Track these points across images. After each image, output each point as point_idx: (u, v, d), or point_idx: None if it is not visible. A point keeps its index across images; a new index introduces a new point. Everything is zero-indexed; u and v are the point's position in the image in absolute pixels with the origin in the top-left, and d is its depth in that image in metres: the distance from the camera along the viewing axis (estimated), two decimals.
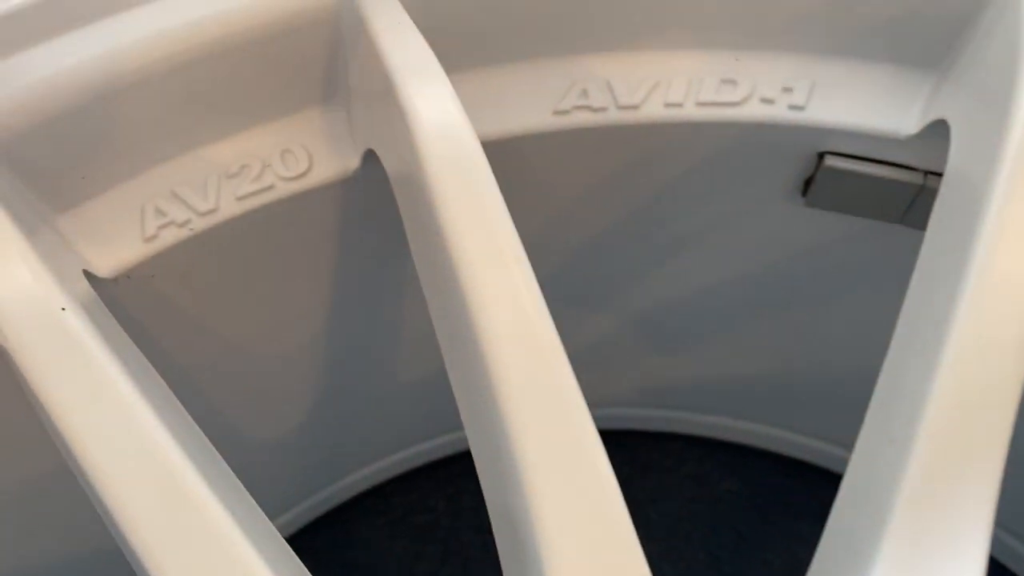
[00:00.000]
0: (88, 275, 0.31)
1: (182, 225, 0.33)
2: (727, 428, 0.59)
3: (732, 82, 0.36)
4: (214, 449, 0.27)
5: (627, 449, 0.62)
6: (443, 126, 0.28)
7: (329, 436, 0.49)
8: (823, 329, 0.46)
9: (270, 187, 0.33)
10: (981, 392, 0.25)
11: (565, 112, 0.35)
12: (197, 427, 0.28)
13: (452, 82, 0.35)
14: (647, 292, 0.46)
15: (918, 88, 0.35)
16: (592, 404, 0.57)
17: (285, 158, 0.34)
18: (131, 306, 0.33)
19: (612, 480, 0.25)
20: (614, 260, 0.44)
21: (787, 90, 0.35)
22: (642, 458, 0.62)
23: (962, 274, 0.26)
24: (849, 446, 0.55)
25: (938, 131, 0.34)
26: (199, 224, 0.33)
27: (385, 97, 0.29)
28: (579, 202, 0.41)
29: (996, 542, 0.57)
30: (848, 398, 0.51)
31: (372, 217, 0.35)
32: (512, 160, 0.36)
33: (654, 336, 0.50)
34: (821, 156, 0.37)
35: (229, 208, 0.33)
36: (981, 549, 0.24)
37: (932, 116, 0.33)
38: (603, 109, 0.36)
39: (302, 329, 0.40)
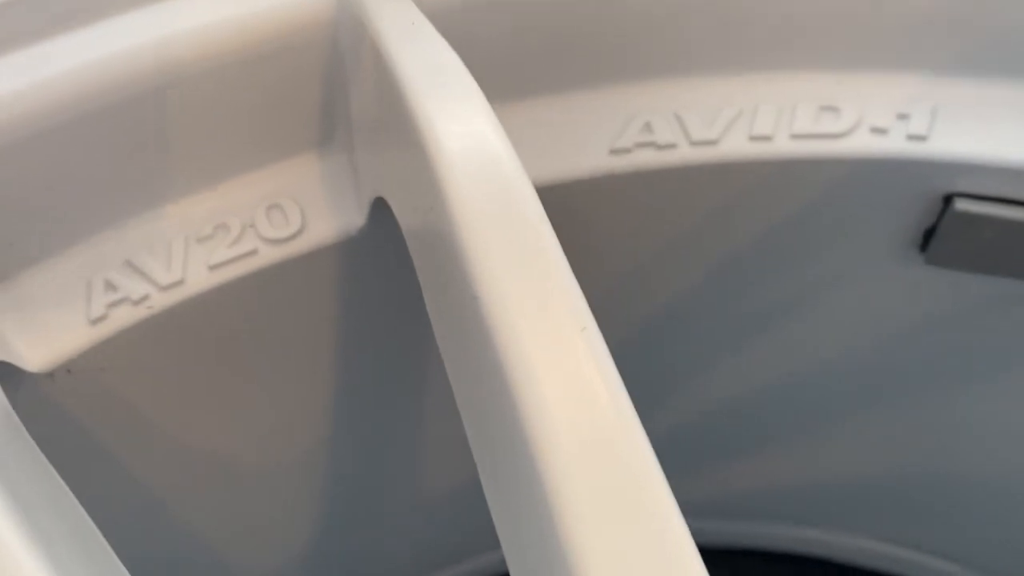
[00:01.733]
0: (8, 370, 0.24)
1: (138, 303, 0.25)
2: (822, 542, 0.50)
3: (834, 109, 0.28)
4: None
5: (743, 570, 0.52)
6: (479, 158, 0.20)
7: (335, 569, 0.41)
8: (950, 423, 0.38)
9: (252, 252, 0.26)
10: None
11: (625, 151, 0.28)
12: None
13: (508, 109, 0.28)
14: (728, 378, 0.38)
15: None
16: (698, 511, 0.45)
17: (271, 215, 0.26)
18: (70, 408, 0.26)
19: None
20: (687, 337, 0.36)
21: (903, 117, 0.28)
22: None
23: None
24: (976, 566, 0.46)
25: None
26: (160, 301, 0.25)
27: (397, 123, 0.22)
28: (642, 263, 0.33)
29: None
30: (983, 508, 0.42)
31: (383, 287, 0.28)
32: (559, 212, 0.29)
33: (733, 433, 0.42)
34: (948, 199, 0.29)
35: (199, 280, 0.26)
36: None
37: None
38: (672, 146, 0.28)
39: (295, 434, 0.32)
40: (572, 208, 0.29)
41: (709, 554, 0.52)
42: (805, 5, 0.28)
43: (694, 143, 0.28)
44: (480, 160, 0.20)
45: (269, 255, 0.26)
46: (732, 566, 0.52)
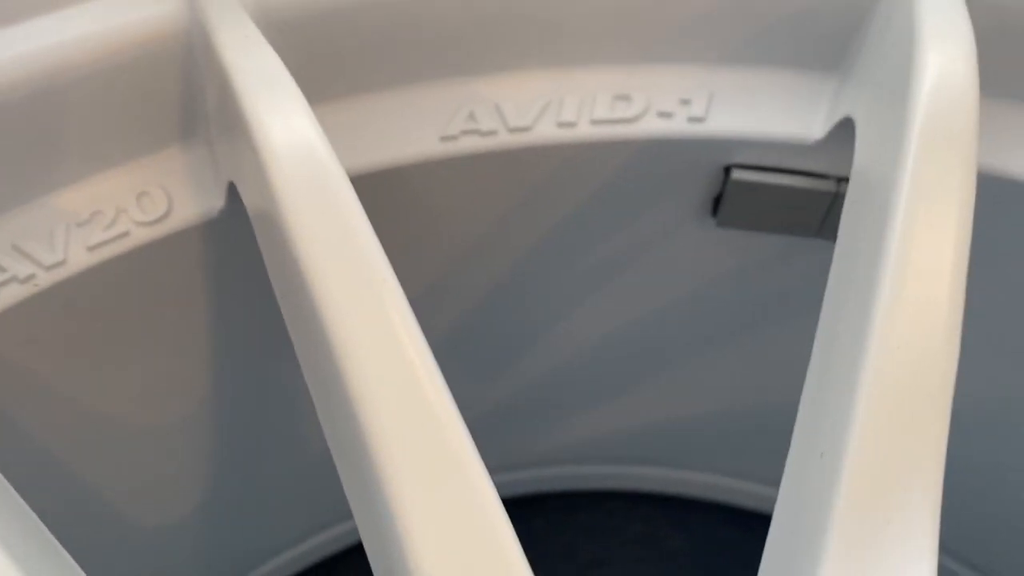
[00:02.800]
0: None
1: (25, 281, 0.29)
2: (671, 480, 0.56)
3: (626, 97, 0.33)
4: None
5: (567, 511, 0.58)
6: (297, 148, 0.25)
7: (229, 523, 0.44)
8: (759, 362, 0.43)
9: (125, 234, 0.30)
10: (909, 398, 0.22)
11: (452, 138, 0.33)
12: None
13: (328, 111, 0.33)
14: (563, 337, 0.43)
15: (821, 90, 0.33)
16: (520, 465, 0.53)
17: (141, 201, 0.31)
18: None
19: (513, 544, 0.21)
20: (522, 302, 0.41)
21: (685, 102, 0.33)
22: (584, 520, 0.58)
23: (876, 278, 0.23)
24: None
25: (848, 134, 0.32)
26: (45, 279, 0.29)
27: (234, 121, 0.26)
28: (477, 237, 0.38)
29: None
30: None
31: (244, 263, 0.32)
32: (398, 193, 0.33)
33: (577, 385, 0.47)
34: (727, 170, 0.35)
35: (79, 259, 0.30)
36: (928, 559, 0.21)
37: (838, 117, 0.31)
38: (493, 133, 0.33)
39: (179, 396, 0.36)
40: (411, 190, 0.33)
41: (581, 497, 0.58)
42: (601, 8, 0.33)
43: (511, 130, 0.33)
44: (297, 147, 0.25)
45: (140, 236, 0.30)
46: (603, 509, 0.58)
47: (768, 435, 0.49)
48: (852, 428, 0.22)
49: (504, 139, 0.33)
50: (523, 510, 0.57)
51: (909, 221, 0.24)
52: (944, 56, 0.25)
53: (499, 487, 0.22)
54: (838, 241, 0.28)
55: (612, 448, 0.52)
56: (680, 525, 0.58)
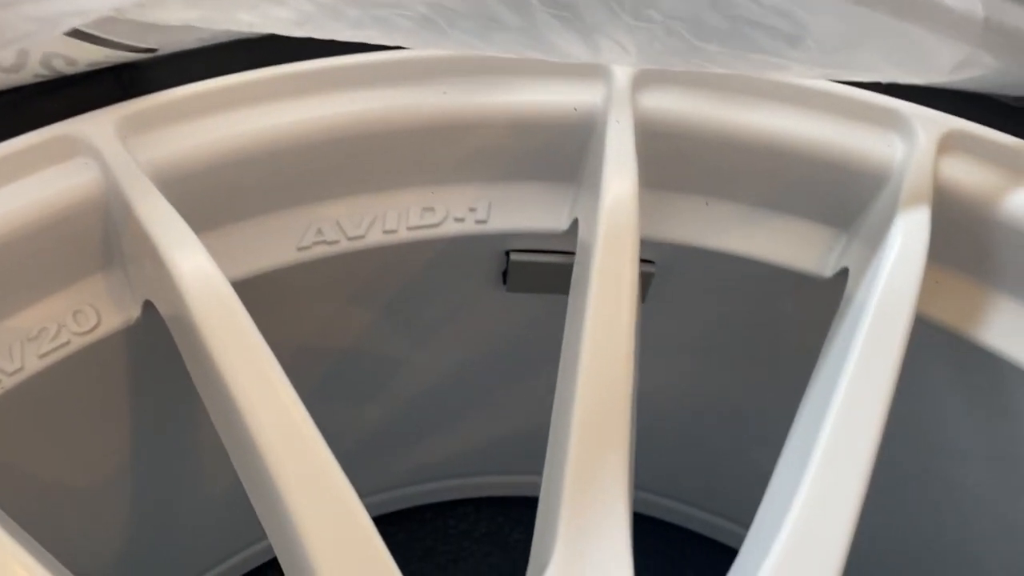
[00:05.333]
0: None
1: None
2: (508, 485, 0.69)
3: (431, 209, 0.47)
4: None
5: (427, 521, 0.70)
6: (198, 274, 0.36)
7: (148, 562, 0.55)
8: (547, 388, 0.57)
9: (66, 343, 0.41)
10: (603, 414, 0.36)
11: (307, 248, 0.45)
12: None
13: (212, 236, 0.44)
14: (405, 381, 0.56)
15: (564, 196, 0.47)
16: (387, 487, 0.67)
17: (77, 317, 0.41)
18: None
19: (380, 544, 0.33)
20: (373, 359, 0.54)
21: (472, 209, 0.47)
22: (441, 526, 0.70)
23: (582, 321, 0.37)
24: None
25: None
26: (8, 383, 0.40)
27: (154, 261, 0.37)
28: (336, 316, 0.50)
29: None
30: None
31: (158, 357, 0.43)
32: (273, 292, 0.45)
33: (421, 417, 0.59)
34: (508, 254, 0.48)
35: (33, 365, 0.40)
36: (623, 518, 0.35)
37: (572, 216, 0.46)
38: (336, 242, 0.45)
39: (110, 462, 0.47)
40: (281, 288, 0.45)
41: (437, 507, 0.70)
42: (408, 151, 0.46)
43: (350, 238, 0.46)
44: (201, 278, 0.36)
45: (77, 343, 0.41)
46: (456, 515, 0.70)
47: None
48: (570, 438, 0.35)
49: (345, 245, 0.46)
50: (388, 524, 0.68)
51: (596, 281, 0.38)
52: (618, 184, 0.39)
53: (370, 507, 0.35)
54: (570, 300, 0.41)
55: (455, 465, 0.65)
56: (519, 521, 0.71)
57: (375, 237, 0.46)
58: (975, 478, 0.50)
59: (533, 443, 0.63)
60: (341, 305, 0.49)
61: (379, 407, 0.59)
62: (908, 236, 0.39)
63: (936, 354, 0.46)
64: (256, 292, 0.45)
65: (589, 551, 0.34)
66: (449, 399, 0.59)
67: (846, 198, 0.45)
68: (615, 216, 0.39)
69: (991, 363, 0.44)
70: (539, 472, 0.71)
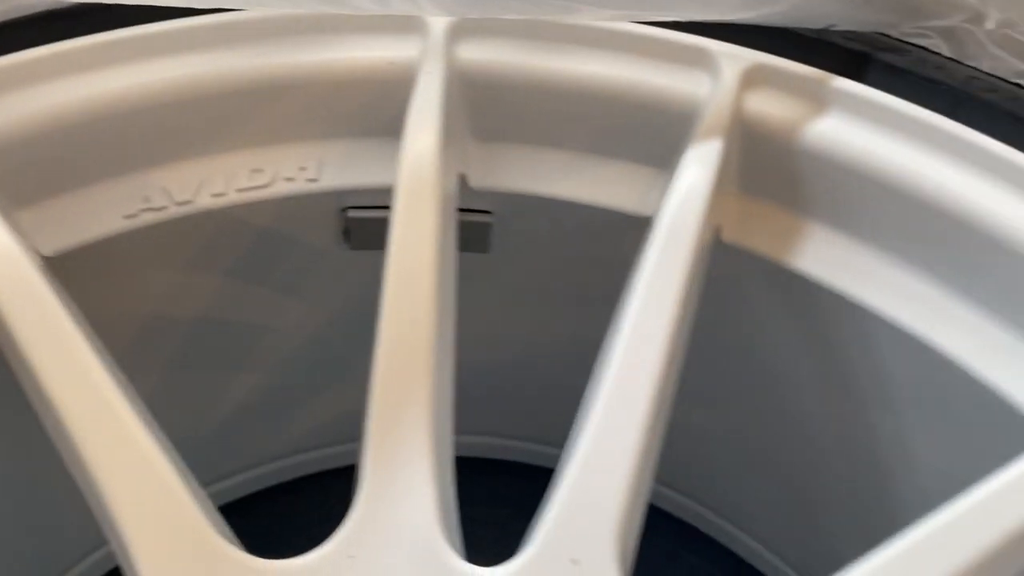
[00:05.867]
0: None
1: None
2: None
3: (260, 170, 0.47)
4: None
5: (285, 499, 0.70)
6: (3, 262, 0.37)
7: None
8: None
9: None
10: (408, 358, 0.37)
11: (133, 216, 0.45)
12: None
13: (35, 209, 0.44)
14: (269, 349, 0.57)
15: (393, 149, 0.48)
16: (268, 459, 0.66)
17: None
18: None
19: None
20: (231, 327, 0.54)
21: (302, 168, 0.47)
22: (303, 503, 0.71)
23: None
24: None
25: None
26: None
27: None
28: (182, 284, 0.51)
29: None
30: None
31: None
32: (108, 263, 0.45)
33: (293, 385, 0.60)
34: (344, 210, 0.49)
35: None
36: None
37: None
38: (164, 208, 0.46)
39: None
40: (117, 259, 0.45)
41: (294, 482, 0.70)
42: (229, 111, 0.46)
43: (177, 203, 0.46)
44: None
45: None
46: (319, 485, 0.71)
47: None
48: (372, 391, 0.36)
49: (173, 211, 0.46)
50: (267, 498, 0.69)
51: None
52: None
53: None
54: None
55: (332, 433, 0.66)
56: None
57: (204, 201, 0.46)
58: (811, 403, 0.52)
59: None
60: (184, 272, 0.50)
61: (248, 376, 0.60)
62: (696, 166, 0.40)
63: (759, 284, 0.48)
64: (89, 264, 0.45)
65: (393, 499, 0.35)
66: (317, 365, 0.59)
67: (660, 138, 0.46)
68: (415, 168, 0.40)
69: (809, 290, 0.46)
70: None
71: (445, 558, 0.34)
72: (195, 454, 0.60)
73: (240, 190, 0.47)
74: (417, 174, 0.39)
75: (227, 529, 0.37)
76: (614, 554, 0.34)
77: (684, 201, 0.39)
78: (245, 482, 0.67)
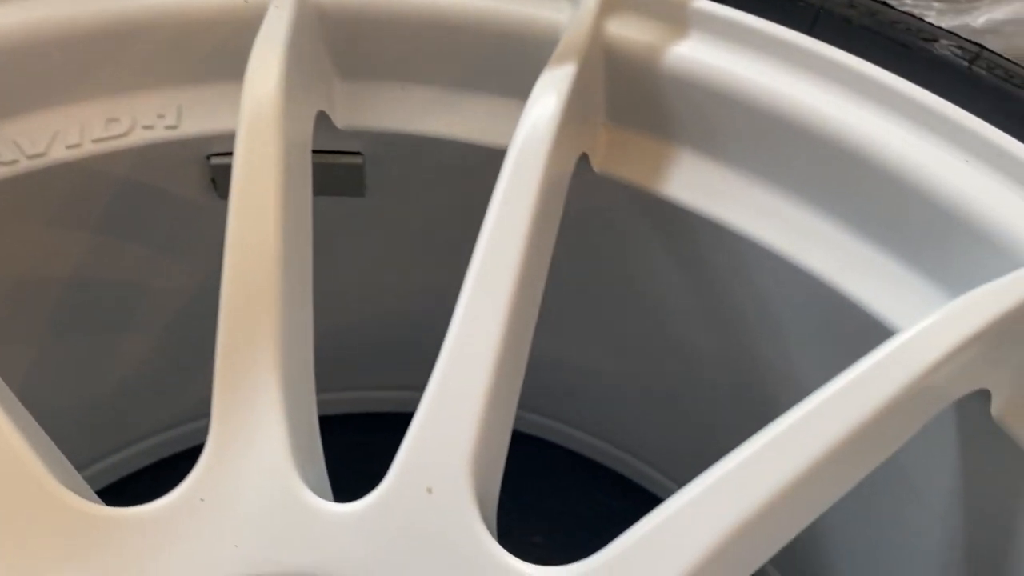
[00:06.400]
0: None
1: None
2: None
3: (116, 120, 0.45)
4: None
5: None
6: None
7: None
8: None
9: None
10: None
11: None
12: None
13: None
14: (154, 307, 0.55)
15: None
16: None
17: None
18: None
19: None
20: (110, 286, 0.53)
21: (161, 116, 0.46)
22: None
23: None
24: None
25: None
26: None
27: None
28: (49, 241, 0.49)
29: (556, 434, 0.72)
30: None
31: None
32: None
33: (185, 345, 0.59)
34: (209, 158, 0.47)
35: None
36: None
37: None
38: (15, 161, 0.44)
39: None
40: None
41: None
42: (78, 56, 0.44)
43: (29, 157, 0.44)
44: None
45: None
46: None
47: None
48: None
49: (26, 164, 0.44)
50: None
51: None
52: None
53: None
54: None
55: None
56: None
57: (58, 153, 0.45)
58: (693, 331, 0.52)
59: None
60: (48, 230, 0.48)
61: (141, 338, 0.58)
62: (547, 94, 0.39)
63: (634, 214, 0.47)
64: None
65: (242, 441, 0.35)
66: (203, 327, 0.58)
67: (527, 68, 0.45)
68: (255, 109, 0.39)
69: (682, 217, 0.46)
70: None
71: (299, 495, 0.34)
72: (78, 428, 0.59)
73: (96, 140, 0.45)
74: (258, 116, 0.38)
75: (82, 483, 0.36)
76: (469, 481, 0.34)
77: (532, 130, 0.38)
78: (138, 455, 0.66)
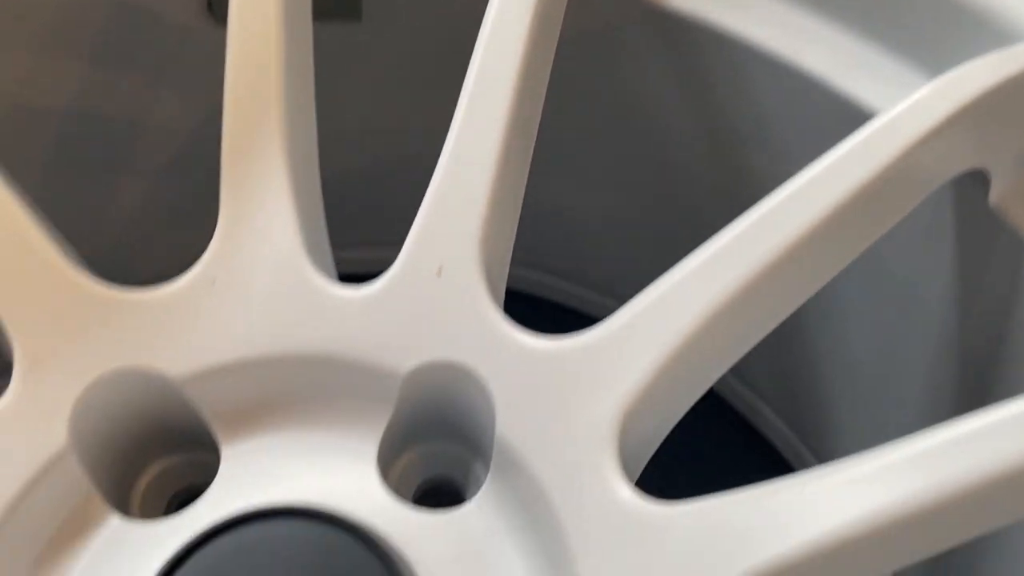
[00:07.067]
0: None
1: None
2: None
3: None
4: None
5: None
6: None
7: None
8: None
9: None
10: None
11: None
12: None
13: None
14: (148, 144, 0.55)
15: None
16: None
17: None
18: None
19: None
20: (99, 122, 0.52)
21: None
22: None
23: None
24: None
25: None
26: None
27: None
28: (38, 70, 0.49)
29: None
30: None
31: None
32: None
33: (190, 188, 0.59)
34: None
35: None
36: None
37: None
38: None
39: None
40: None
41: None
42: None
43: None
44: None
45: None
46: None
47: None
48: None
49: None
50: None
51: None
52: None
53: None
54: None
55: None
56: None
57: None
58: (692, 152, 0.52)
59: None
60: (38, 57, 0.47)
61: (140, 182, 0.58)
62: None
63: (635, 29, 0.47)
64: None
65: (252, 223, 0.35)
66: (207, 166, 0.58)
67: None
68: None
69: (683, 28, 0.46)
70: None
71: (309, 276, 0.35)
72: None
73: None
74: None
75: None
76: (478, 261, 0.34)
77: None
78: None
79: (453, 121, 0.36)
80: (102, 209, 0.57)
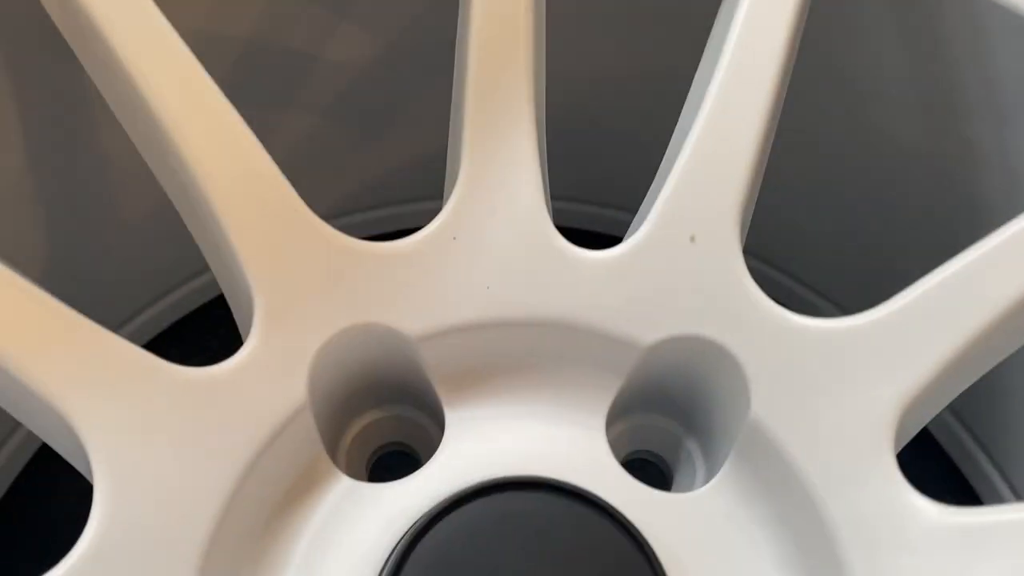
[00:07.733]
0: None
1: None
2: None
3: None
4: None
5: None
6: None
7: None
8: None
9: None
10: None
11: None
12: None
13: None
14: (322, 79, 0.53)
15: None
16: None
17: None
18: None
19: None
20: (275, 54, 0.50)
21: None
22: None
23: None
24: None
25: None
26: None
27: None
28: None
29: None
30: None
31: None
32: None
33: (349, 127, 0.57)
34: None
35: None
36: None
37: None
38: None
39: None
40: None
41: None
42: None
43: None
44: None
45: None
46: None
47: None
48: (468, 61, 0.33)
49: None
50: None
51: None
52: None
53: None
54: None
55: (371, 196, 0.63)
56: None
57: None
58: (908, 120, 0.48)
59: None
60: None
61: (301, 118, 0.56)
62: None
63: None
64: None
65: (494, 179, 0.33)
66: (382, 104, 0.55)
67: None
68: None
69: None
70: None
71: (553, 239, 0.32)
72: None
73: None
74: None
75: None
76: (736, 231, 0.32)
77: None
78: None
79: (693, 88, 0.33)
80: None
